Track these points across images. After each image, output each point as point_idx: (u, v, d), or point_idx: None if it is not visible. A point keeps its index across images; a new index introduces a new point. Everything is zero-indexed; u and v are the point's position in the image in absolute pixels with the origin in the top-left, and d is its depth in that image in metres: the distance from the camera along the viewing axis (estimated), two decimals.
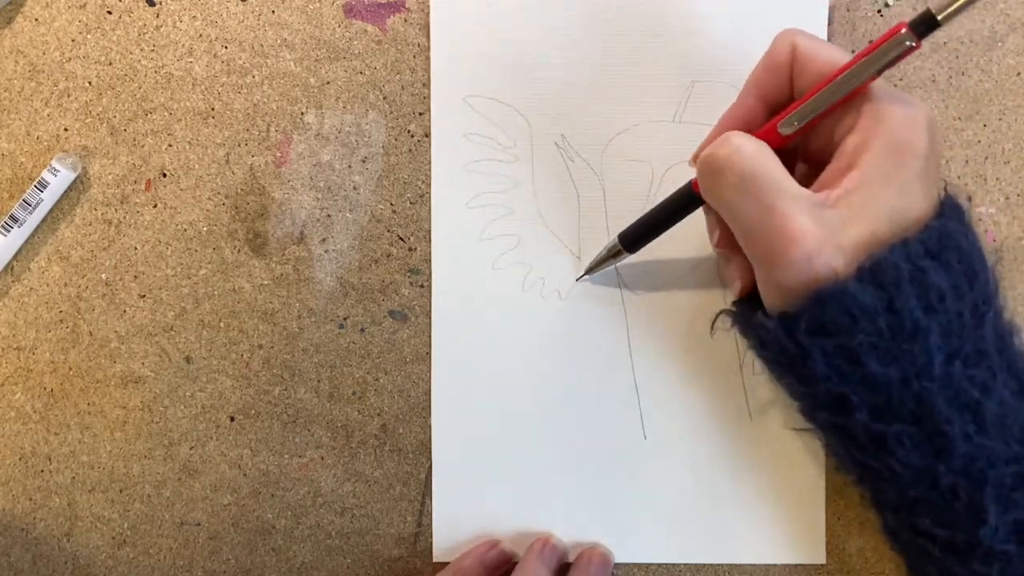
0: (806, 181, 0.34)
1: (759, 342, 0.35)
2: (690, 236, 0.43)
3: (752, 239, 0.33)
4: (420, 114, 0.43)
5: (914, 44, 0.31)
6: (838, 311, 0.31)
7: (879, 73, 0.32)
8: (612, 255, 0.41)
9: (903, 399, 0.31)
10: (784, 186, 0.32)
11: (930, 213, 0.32)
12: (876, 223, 0.31)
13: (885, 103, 0.32)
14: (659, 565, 0.43)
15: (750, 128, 0.35)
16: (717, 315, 0.42)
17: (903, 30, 0.31)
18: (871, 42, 0.34)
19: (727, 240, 0.36)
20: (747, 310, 0.36)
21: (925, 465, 0.32)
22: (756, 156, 0.33)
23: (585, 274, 0.43)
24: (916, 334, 0.31)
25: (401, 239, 0.44)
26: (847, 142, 0.33)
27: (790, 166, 0.35)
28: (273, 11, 0.43)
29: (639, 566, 0.43)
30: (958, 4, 0.30)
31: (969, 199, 0.42)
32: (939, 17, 0.31)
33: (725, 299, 0.43)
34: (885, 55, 0.31)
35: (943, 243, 0.31)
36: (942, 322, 0.31)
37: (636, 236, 0.40)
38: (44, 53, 0.44)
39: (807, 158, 0.37)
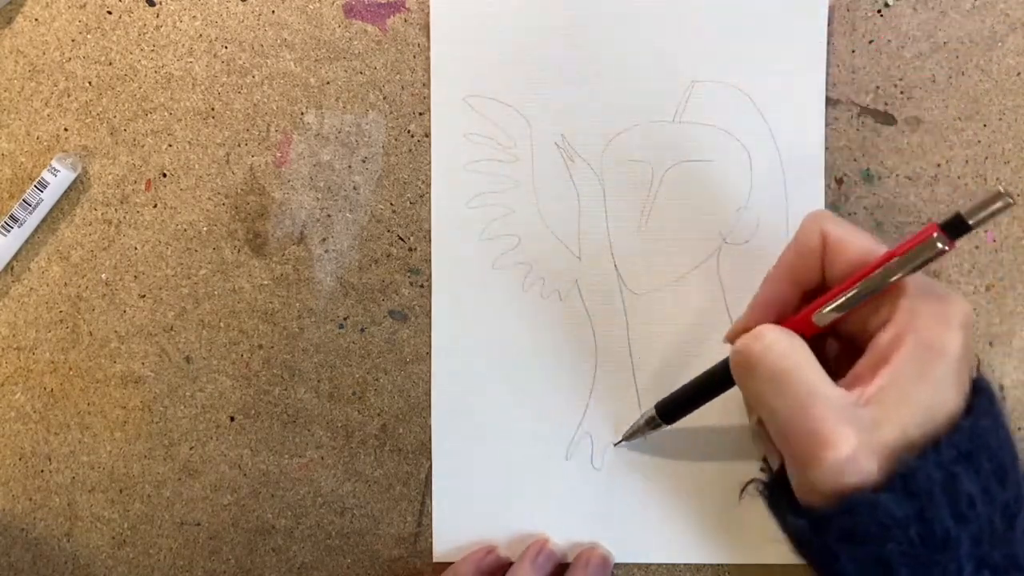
0: (838, 360, 0.34)
1: (790, 537, 0.34)
2: (690, 235, 0.43)
3: (784, 437, 0.33)
4: (420, 114, 0.43)
5: (947, 247, 0.31)
6: (870, 520, 0.31)
7: (913, 271, 0.32)
8: (650, 426, 0.41)
9: None
10: (818, 388, 0.32)
11: (961, 408, 0.32)
12: (908, 422, 0.31)
13: (919, 300, 0.32)
14: (659, 565, 0.43)
15: (784, 309, 0.35)
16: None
17: (934, 234, 0.31)
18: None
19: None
20: (777, 492, 0.35)
21: None
22: (790, 355, 0.33)
23: (621, 441, 0.43)
24: (947, 544, 0.30)
25: (401, 239, 0.44)
26: (880, 337, 0.33)
27: (822, 345, 0.35)
28: (273, 11, 0.43)
29: (639, 566, 0.43)
30: (989, 210, 0.30)
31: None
32: (970, 222, 0.31)
33: (727, 303, 0.43)
34: (918, 256, 0.32)
35: (974, 443, 0.31)
36: (972, 531, 0.31)
37: (673, 408, 0.40)
38: (44, 53, 0.44)
39: (839, 337, 0.36)
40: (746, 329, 0.35)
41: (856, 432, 0.31)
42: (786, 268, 0.36)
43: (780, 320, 0.35)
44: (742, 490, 0.43)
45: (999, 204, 0.30)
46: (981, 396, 0.33)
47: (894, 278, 0.32)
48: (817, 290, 0.35)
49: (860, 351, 0.34)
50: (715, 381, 0.38)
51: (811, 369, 0.32)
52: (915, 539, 0.31)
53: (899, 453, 0.31)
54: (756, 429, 0.38)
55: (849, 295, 0.33)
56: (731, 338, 0.37)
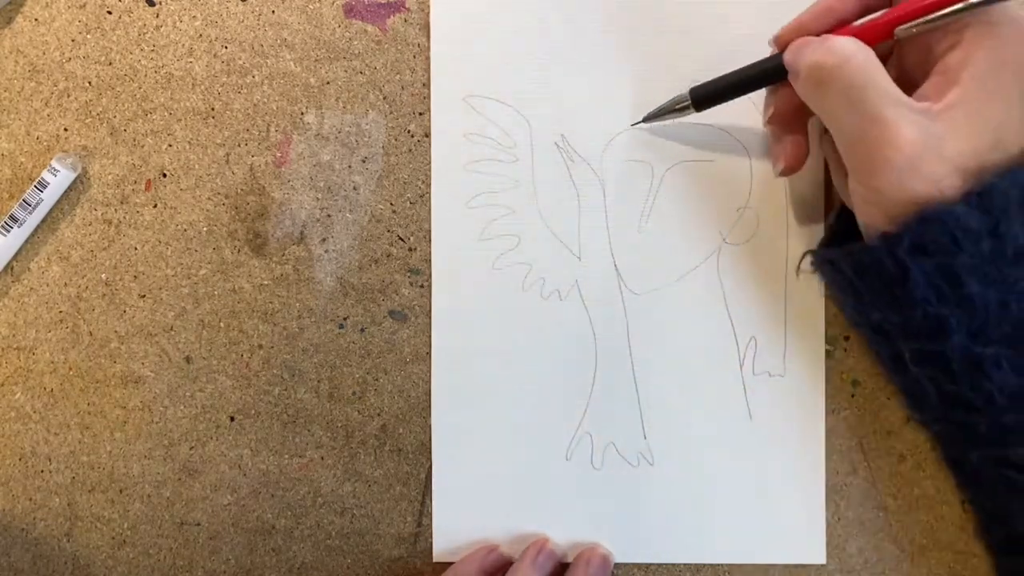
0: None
1: (855, 266, 0.34)
2: (690, 235, 0.43)
3: (853, 146, 0.33)
4: (420, 114, 0.43)
5: None
6: (941, 231, 0.31)
7: None
8: (678, 108, 0.40)
9: (1001, 322, 0.31)
10: (892, 95, 0.32)
11: None
12: (978, 139, 0.31)
13: (993, 18, 0.32)
14: (659, 565, 0.43)
15: (845, 17, 0.35)
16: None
17: None
18: None
19: (780, 118, 0.37)
20: (834, 249, 0.36)
21: (1022, 388, 0.32)
22: (866, 67, 0.32)
23: (643, 120, 0.42)
24: (1019, 259, 0.31)
25: (401, 239, 0.44)
26: (949, 57, 0.32)
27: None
28: (273, 11, 0.43)
29: (639, 566, 0.43)
30: None
31: None
32: None
33: (727, 303, 0.43)
34: None
35: None
36: None
37: (709, 95, 0.39)
38: (44, 53, 0.44)
39: (898, 67, 0.36)
40: (800, 33, 0.35)
41: (926, 138, 0.31)
42: None
43: (836, 28, 0.35)
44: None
45: None
46: None
47: None
48: (880, 4, 0.34)
49: (915, 78, 0.33)
50: (759, 76, 0.37)
51: (885, 79, 0.32)
52: (986, 252, 0.31)
53: (972, 172, 0.31)
54: (770, 128, 0.39)
55: (952, 8, 0.32)
56: (782, 42, 0.36)
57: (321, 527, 0.44)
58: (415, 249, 0.44)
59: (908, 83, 0.34)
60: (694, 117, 0.42)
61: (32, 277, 0.44)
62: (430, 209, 0.43)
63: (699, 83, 0.39)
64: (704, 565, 0.43)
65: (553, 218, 0.43)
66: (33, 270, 0.44)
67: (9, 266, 0.44)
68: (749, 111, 0.42)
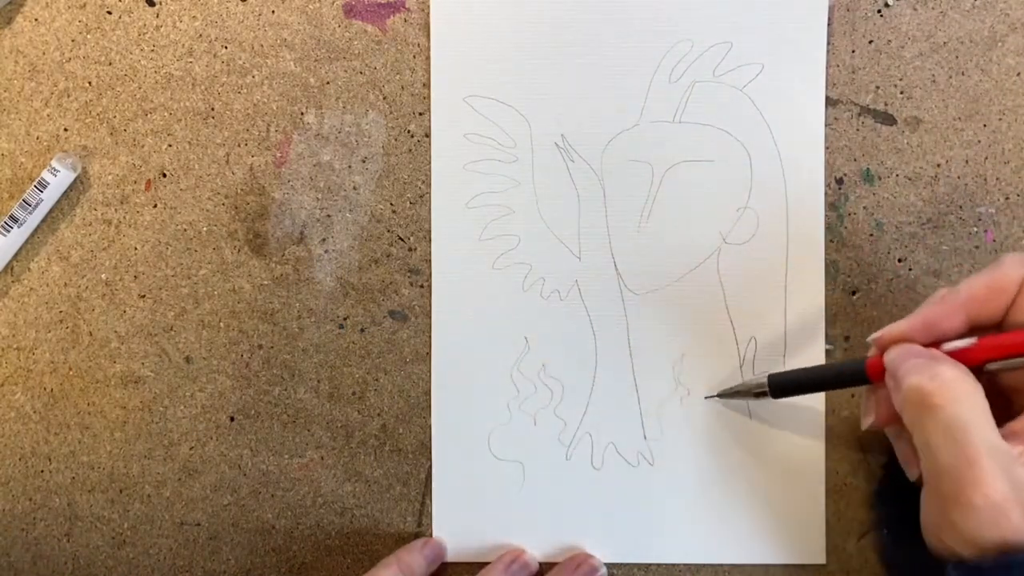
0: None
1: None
2: (690, 235, 0.43)
3: (940, 475, 0.32)
4: (420, 114, 0.43)
5: None
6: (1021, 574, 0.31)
7: None
8: (753, 393, 0.40)
9: None
10: (991, 442, 0.31)
11: None
12: None
13: None
14: (659, 565, 0.43)
15: (947, 335, 0.35)
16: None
17: None
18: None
19: (890, 417, 0.36)
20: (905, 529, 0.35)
21: None
22: (969, 404, 0.32)
23: (717, 396, 0.42)
24: None
25: (401, 239, 0.44)
26: None
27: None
28: (273, 11, 0.43)
29: (639, 566, 0.43)
30: None
31: None
32: None
33: (727, 303, 0.43)
34: None
35: None
36: None
37: (788, 385, 0.39)
38: (44, 53, 0.44)
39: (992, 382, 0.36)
40: (901, 340, 0.35)
41: (1015, 492, 0.31)
42: (967, 297, 0.35)
43: (939, 341, 0.34)
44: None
45: None
46: None
47: None
48: (987, 327, 0.34)
49: (1009, 398, 0.33)
50: (846, 377, 0.37)
51: (987, 422, 0.32)
52: None
53: None
54: (897, 432, 0.37)
55: None
56: (882, 344, 0.36)
57: (321, 527, 0.44)
58: (415, 249, 0.44)
59: (999, 399, 0.33)
60: (693, 116, 0.42)
61: (32, 277, 0.44)
62: (430, 209, 0.43)
63: (778, 372, 0.40)
64: (704, 565, 0.43)
65: (553, 218, 0.43)
66: (33, 270, 0.44)
67: (9, 266, 0.44)
68: (750, 110, 0.42)
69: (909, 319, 0.36)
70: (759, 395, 0.40)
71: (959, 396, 0.32)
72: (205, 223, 0.44)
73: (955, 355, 0.34)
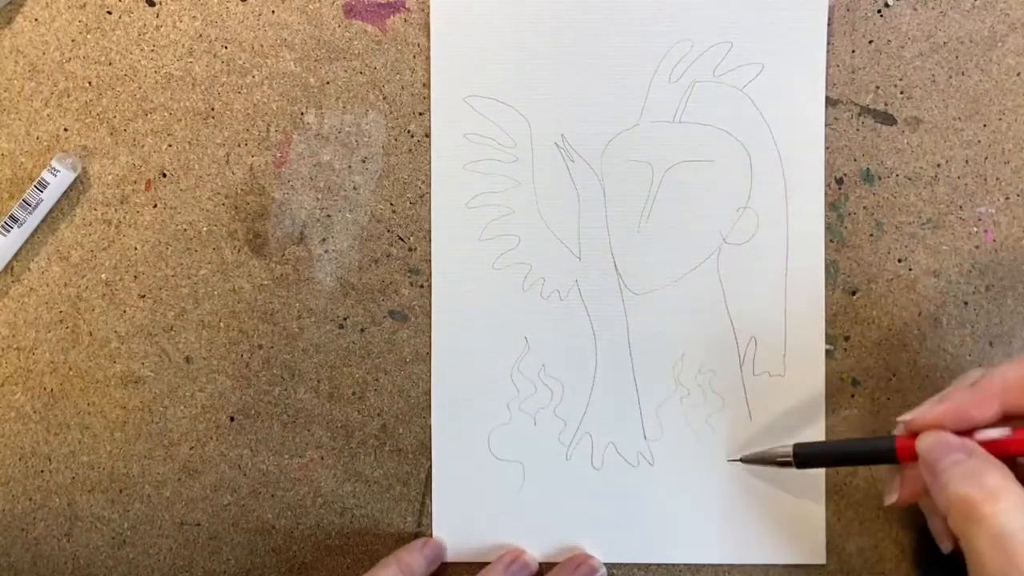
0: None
1: None
2: (690, 235, 0.43)
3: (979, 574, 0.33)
4: (420, 114, 0.43)
5: None
6: None
7: None
8: (778, 462, 0.40)
9: None
10: None
11: None
12: None
13: None
14: (659, 565, 0.43)
15: (980, 423, 0.35)
16: None
17: None
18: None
19: (914, 496, 0.36)
20: None
21: None
22: (1016, 512, 0.32)
23: (740, 460, 0.42)
24: None
25: (401, 239, 0.44)
26: None
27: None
28: (273, 11, 0.43)
29: (639, 566, 0.43)
30: None
31: None
32: None
33: (727, 303, 0.43)
34: None
35: None
36: None
37: (813, 458, 0.40)
38: (44, 53, 0.44)
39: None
40: (933, 425, 0.35)
41: None
42: (1002, 386, 0.35)
43: (971, 428, 0.34)
44: None
45: None
46: None
47: None
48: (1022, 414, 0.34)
49: None
50: (872, 455, 0.38)
51: None
52: None
53: None
54: (930, 508, 0.38)
55: None
56: (913, 429, 0.36)
57: (321, 527, 0.44)
58: (415, 249, 0.44)
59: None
60: (693, 116, 0.42)
61: (32, 277, 0.44)
62: (430, 209, 0.43)
63: (804, 443, 0.40)
64: (704, 565, 0.43)
65: (553, 218, 0.43)
66: (33, 270, 0.44)
67: (9, 266, 0.44)
68: (750, 110, 0.42)
69: (941, 404, 0.36)
70: (783, 464, 0.40)
71: (1007, 507, 0.32)
72: (205, 223, 0.44)
73: (988, 445, 0.34)
